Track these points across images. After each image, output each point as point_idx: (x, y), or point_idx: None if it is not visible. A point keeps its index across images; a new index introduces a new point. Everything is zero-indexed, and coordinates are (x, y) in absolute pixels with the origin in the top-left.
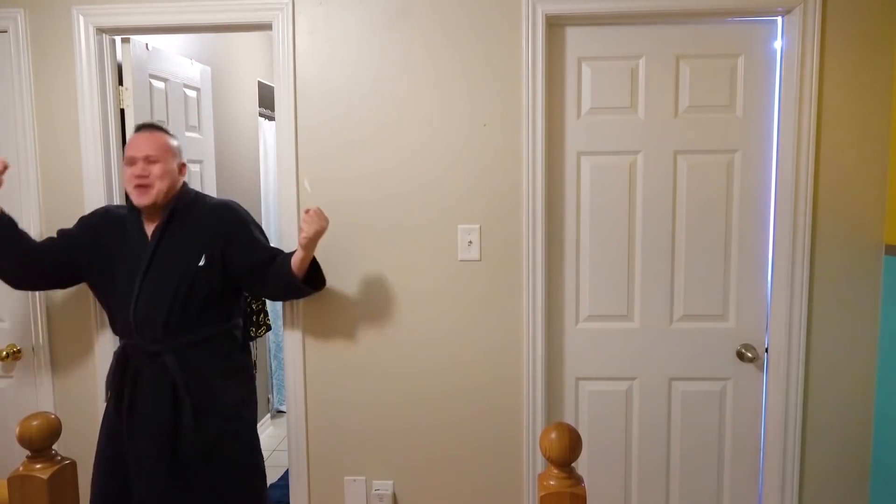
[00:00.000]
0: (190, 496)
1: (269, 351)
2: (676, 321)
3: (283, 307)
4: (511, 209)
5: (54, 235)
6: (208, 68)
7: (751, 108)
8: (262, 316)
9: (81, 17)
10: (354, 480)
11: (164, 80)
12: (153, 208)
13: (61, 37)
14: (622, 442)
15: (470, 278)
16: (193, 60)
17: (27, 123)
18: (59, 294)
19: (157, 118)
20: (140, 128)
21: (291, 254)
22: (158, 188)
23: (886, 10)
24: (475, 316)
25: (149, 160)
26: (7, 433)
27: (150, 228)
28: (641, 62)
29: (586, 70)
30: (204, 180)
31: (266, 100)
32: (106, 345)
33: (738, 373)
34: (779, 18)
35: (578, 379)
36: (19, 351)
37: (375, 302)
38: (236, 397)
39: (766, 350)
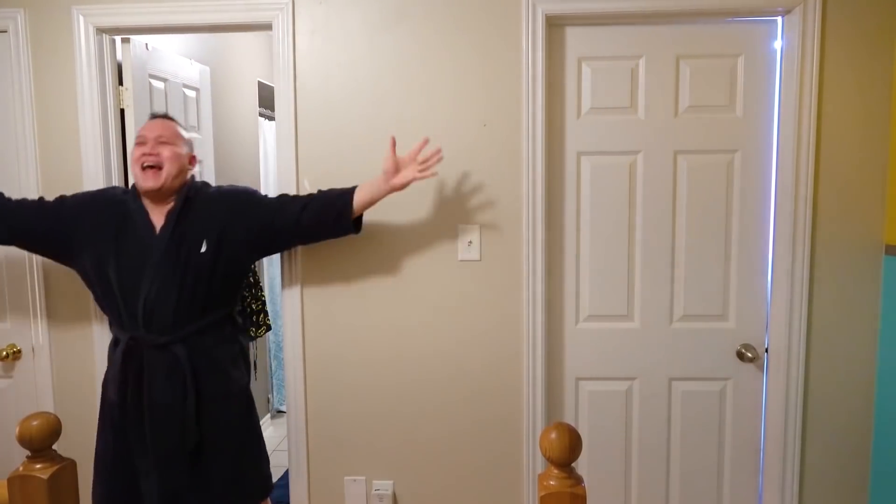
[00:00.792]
0: (206, 484)
1: (269, 351)
2: (676, 321)
3: (283, 307)
4: (511, 209)
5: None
6: (207, 68)
7: (751, 108)
8: (262, 316)
9: (81, 17)
10: (354, 480)
11: (164, 80)
12: (158, 195)
13: (61, 37)
14: (622, 442)
15: (470, 278)
16: (193, 60)
17: (27, 123)
18: (59, 294)
19: None
20: (154, 116)
21: (348, 190)
22: (168, 171)
23: (886, 10)
24: (475, 316)
25: (159, 140)
26: (7, 433)
27: (155, 218)
28: (641, 62)
29: (586, 70)
30: (204, 180)
31: (266, 100)
32: (106, 344)
33: (738, 373)
34: (779, 18)
35: (578, 379)
36: (19, 351)
37: (375, 302)
38: (246, 379)
39: (766, 350)
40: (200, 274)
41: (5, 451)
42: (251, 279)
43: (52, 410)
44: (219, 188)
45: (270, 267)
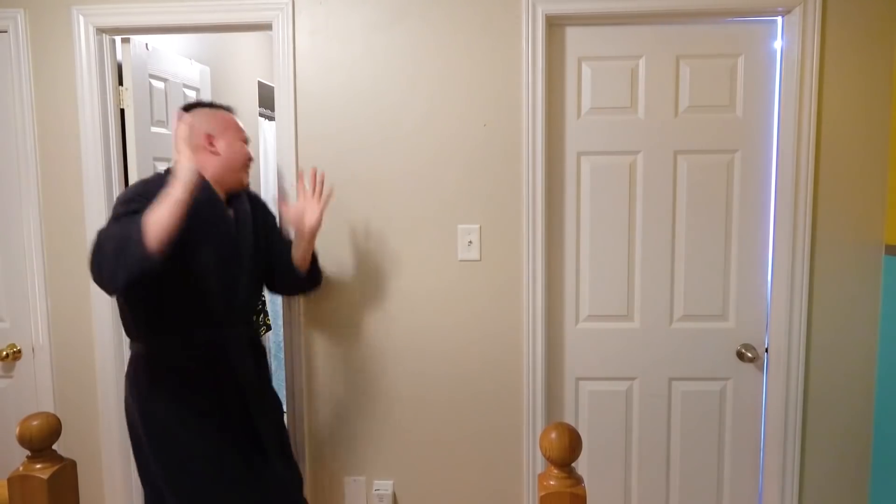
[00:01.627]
0: (290, 463)
1: (269, 351)
2: (676, 321)
3: (283, 307)
4: (511, 209)
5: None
6: (207, 68)
7: (751, 108)
8: (262, 316)
9: (81, 17)
10: (354, 480)
11: (164, 80)
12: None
13: (61, 37)
14: (622, 442)
15: (470, 278)
16: (193, 60)
17: (27, 123)
18: (59, 294)
19: (157, 118)
20: (228, 109)
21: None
22: None
23: (886, 10)
24: (475, 316)
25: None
26: (7, 433)
27: None
28: (641, 62)
29: (586, 70)
30: None
31: (266, 100)
32: (106, 344)
33: (738, 373)
34: (779, 18)
35: (578, 379)
36: (19, 351)
37: (375, 302)
38: None
39: (766, 350)
40: (260, 261)
41: (5, 451)
42: None
43: (52, 410)
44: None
45: None
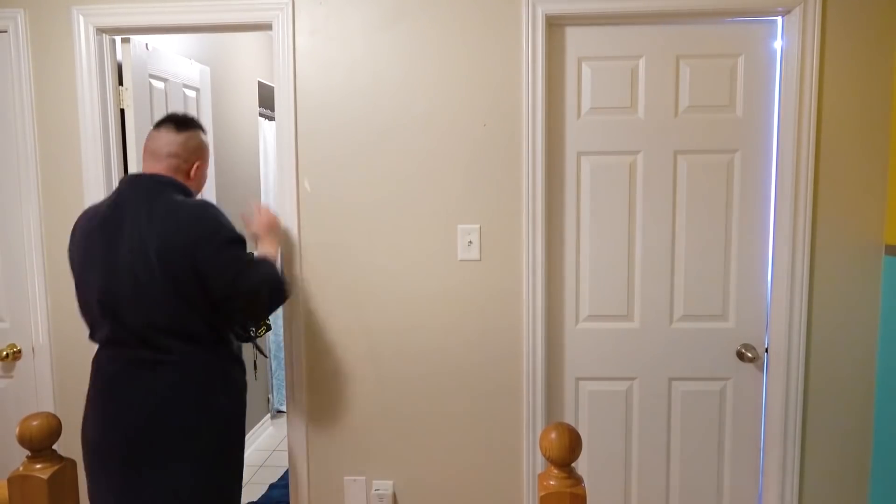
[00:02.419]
0: None
1: (270, 351)
2: (676, 321)
3: (283, 307)
4: (511, 209)
5: None
6: (207, 68)
7: (751, 108)
8: None
9: (81, 17)
10: (354, 480)
11: (164, 80)
12: None
13: (61, 37)
14: (622, 442)
15: (470, 278)
16: (193, 60)
17: (27, 123)
18: (59, 294)
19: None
20: (196, 126)
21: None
22: None
23: (886, 10)
24: (475, 316)
25: None
26: (7, 433)
27: None
28: (641, 62)
29: (586, 70)
30: None
31: (266, 100)
32: None
33: (738, 373)
34: (779, 18)
35: (578, 379)
36: (19, 351)
37: (375, 302)
38: None
39: (766, 350)
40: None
41: (5, 451)
42: None
43: (52, 410)
44: None
45: None
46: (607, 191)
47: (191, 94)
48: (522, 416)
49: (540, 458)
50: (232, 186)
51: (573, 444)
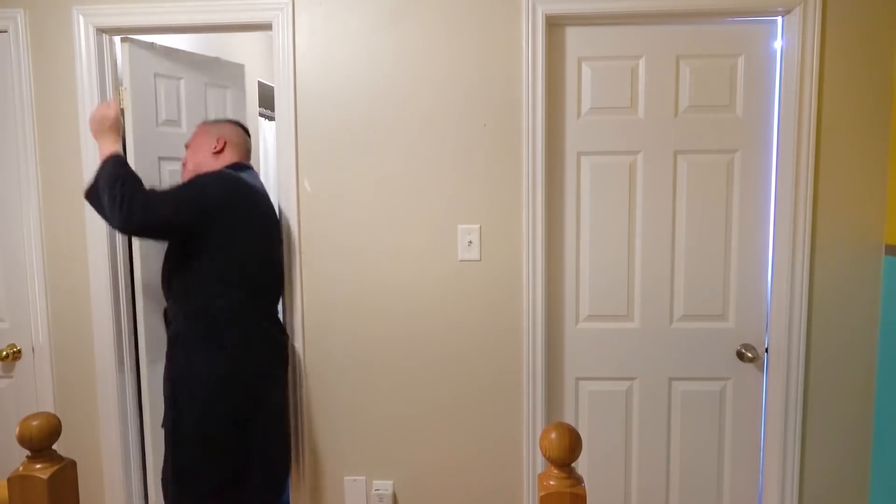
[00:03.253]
0: None
1: None
2: (676, 321)
3: (284, 308)
4: (511, 209)
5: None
6: None
7: (751, 108)
8: None
9: (81, 17)
10: (354, 480)
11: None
12: None
13: (61, 37)
14: (622, 442)
15: (470, 278)
16: None
17: (27, 123)
18: (59, 294)
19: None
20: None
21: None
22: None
23: (886, 10)
24: (475, 316)
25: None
26: (7, 433)
27: None
28: (641, 62)
29: (586, 70)
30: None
31: (266, 100)
32: (106, 344)
33: (738, 373)
34: (779, 18)
35: (578, 379)
36: (19, 351)
37: (375, 302)
38: None
39: (766, 350)
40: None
41: (5, 451)
42: None
43: (52, 410)
44: None
45: None
46: (607, 191)
47: None
48: (522, 415)
49: (540, 458)
50: None
51: (573, 444)
